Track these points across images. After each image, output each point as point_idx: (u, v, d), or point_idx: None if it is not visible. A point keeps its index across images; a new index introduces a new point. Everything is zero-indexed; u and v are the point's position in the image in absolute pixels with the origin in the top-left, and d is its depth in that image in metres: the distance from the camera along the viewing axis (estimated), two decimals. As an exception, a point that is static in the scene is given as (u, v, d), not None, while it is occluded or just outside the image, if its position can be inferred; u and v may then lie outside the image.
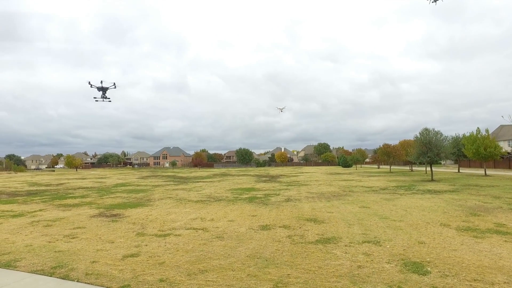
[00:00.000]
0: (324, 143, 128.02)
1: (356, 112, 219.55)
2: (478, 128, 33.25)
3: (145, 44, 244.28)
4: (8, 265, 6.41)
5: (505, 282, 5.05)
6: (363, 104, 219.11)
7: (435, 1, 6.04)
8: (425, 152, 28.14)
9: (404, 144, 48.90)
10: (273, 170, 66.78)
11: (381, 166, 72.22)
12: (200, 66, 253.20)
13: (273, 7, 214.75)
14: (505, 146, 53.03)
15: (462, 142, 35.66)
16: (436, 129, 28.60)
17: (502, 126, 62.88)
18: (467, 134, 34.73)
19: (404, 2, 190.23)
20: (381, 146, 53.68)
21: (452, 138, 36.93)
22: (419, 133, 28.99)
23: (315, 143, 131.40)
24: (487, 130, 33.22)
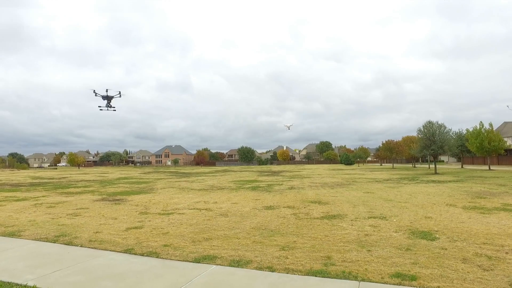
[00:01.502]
0: (326, 141, 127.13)
1: (359, 112, 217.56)
2: (481, 122, 32.96)
3: (149, 44, 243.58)
4: (12, 235, 6.38)
5: (516, 246, 4.95)
6: (366, 104, 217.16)
7: None
8: (429, 145, 27.93)
9: (407, 140, 48.62)
10: (276, 167, 66.63)
11: (383, 164, 71.82)
12: (203, 66, 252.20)
13: (278, 7, 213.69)
14: (509, 143, 52.58)
15: (465, 137, 35.38)
16: (439, 122, 28.41)
17: (506, 123, 62.29)
18: (471, 130, 34.46)
19: (408, 1, 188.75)
20: (384, 142, 53.44)
21: (455, 134, 36.67)
22: (423, 126, 28.76)
23: (317, 143, 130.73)
24: (490, 124, 32.90)
